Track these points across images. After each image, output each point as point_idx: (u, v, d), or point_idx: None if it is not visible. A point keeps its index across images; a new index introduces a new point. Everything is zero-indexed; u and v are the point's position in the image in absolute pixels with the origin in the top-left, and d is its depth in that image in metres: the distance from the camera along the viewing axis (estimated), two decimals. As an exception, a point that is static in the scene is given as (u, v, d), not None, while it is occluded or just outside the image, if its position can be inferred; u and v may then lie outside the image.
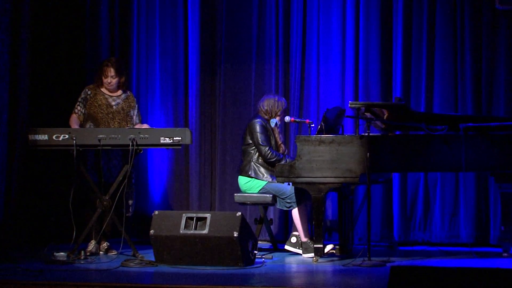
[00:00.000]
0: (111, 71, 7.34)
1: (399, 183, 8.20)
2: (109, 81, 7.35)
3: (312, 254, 7.03)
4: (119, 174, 7.09)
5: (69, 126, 7.23)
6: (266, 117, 7.59)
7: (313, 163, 6.78)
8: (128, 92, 7.54)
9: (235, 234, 6.45)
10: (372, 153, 6.67)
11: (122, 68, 7.47)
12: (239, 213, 6.55)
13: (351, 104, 6.76)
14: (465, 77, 8.13)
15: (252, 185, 7.47)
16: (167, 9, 8.65)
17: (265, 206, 7.68)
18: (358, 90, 8.32)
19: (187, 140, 6.93)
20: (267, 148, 7.45)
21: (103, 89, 7.41)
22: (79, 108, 7.37)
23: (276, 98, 7.65)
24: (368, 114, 6.93)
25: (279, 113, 7.61)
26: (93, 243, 7.25)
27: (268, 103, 7.61)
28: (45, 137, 6.95)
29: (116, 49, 8.58)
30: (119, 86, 7.43)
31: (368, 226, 6.68)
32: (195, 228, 6.57)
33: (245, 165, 7.52)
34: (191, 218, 6.62)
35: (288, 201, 7.34)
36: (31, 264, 6.57)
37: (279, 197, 7.39)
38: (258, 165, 7.48)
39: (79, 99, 7.38)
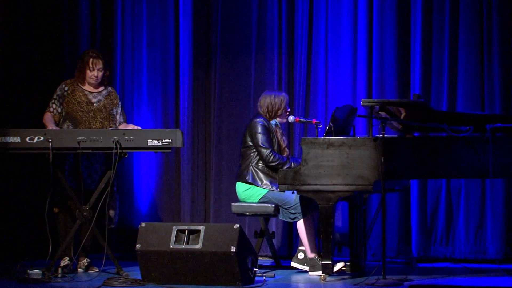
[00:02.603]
0: (99, 63, 7.34)
1: (418, 192, 8.21)
2: (96, 74, 7.34)
3: (319, 272, 7.01)
4: (101, 180, 7.05)
5: (44, 127, 7.20)
6: (267, 117, 7.54)
7: (321, 168, 6.76)
8: (110, 88, 7.52)
9: (233, 249, 6.42)
10: (387, 157, 6.65)
11: (107, 60, 7.49)
12: (237, 225, 6.53)
13: (363, 102, 6.75)
14: (493, 71, 8.13)
15: (252, 193, 7.44)
16: (156, -5, 8.66)
17: (267, 217, 7.66)
18: (371, 86, 8.34)
19: (178, 143, 6.93)
20: (268, 151, 7.41)
21: (82, 85, 7.38)
22: (54, 106, 7.34)
23: (274, 95, 7.56)
24: (382, 114, 6.94)
25: (279, 113, 7.54)
26: (67, 259, 7.21)
27: (265, 101, 7.54)
28: (17, 139, 6.93)
29: (98, 39, 8.60)
30: (103, 81, 7.41)
31: (383, 240, 6.67)
32: (187, 243, 6.55)
33: (243, 170, 7.49)
34: (183, 231, 6.60)
35: (293, 211, 7.31)
36: (2, 283, 6.56)
37: (282, 207, 7.36)
38: (257, 170, 7.44)
39: (54, 96, 7.37)
